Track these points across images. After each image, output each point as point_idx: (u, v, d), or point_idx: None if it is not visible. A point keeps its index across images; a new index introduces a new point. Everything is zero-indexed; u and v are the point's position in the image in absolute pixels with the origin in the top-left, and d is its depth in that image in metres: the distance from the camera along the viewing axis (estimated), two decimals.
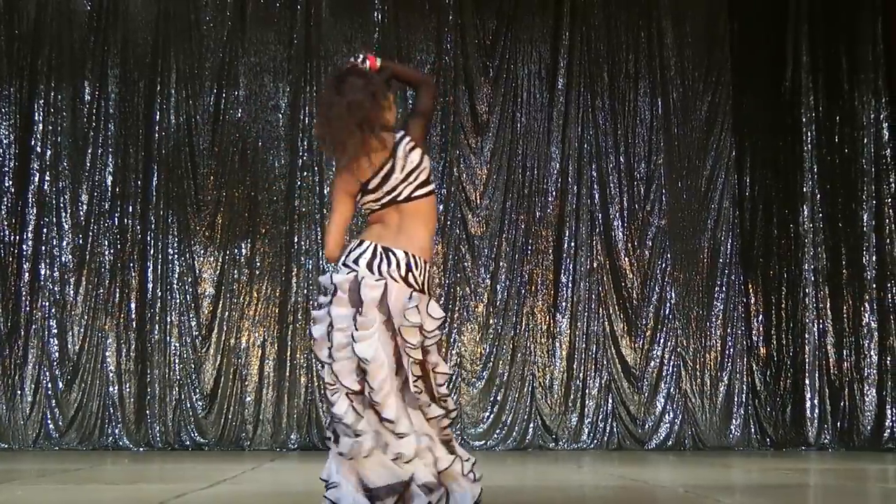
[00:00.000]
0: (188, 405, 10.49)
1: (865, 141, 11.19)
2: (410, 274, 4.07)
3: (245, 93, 10.94)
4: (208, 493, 6.03)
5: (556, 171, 11.11)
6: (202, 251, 10.76)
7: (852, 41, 11.31)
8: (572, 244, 11.00)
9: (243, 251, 10.76)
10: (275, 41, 11.03)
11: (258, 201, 10.81)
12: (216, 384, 10.53)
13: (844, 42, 11.34)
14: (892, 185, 11.11)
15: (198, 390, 10.52)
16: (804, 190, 11.20)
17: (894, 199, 11.10)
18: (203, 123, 10.88)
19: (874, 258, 11.03)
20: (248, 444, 10.43)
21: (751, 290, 11.17)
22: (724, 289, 11.09)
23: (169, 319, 10.59)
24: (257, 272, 10.73)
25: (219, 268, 10.72)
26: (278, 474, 7.76)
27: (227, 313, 10.64)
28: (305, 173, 10.89)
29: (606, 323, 10.93)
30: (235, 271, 10.74)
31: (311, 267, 10.72)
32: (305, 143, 10.90)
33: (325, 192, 10.81)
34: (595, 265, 11.00)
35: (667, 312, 11.00)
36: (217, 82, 10.92)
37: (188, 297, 10.65)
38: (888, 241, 11.03)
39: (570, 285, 10.95)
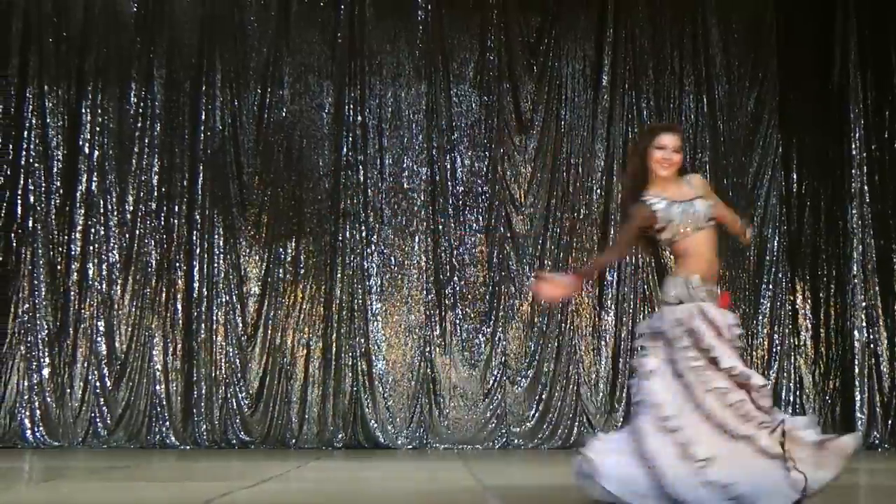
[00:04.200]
0: (234, 404, 10.39)
1: None
2: None
3: (289, 92, 10.83)
4: (253, 491, 5.98)
5: (600, 169, 10.89)
6: (247, 250, 10.66)
7: None
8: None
9: (288, 250, 10.65)
10: (319, 40, 10.91)
11: (302, 200, 10.70)
12: (262, 383, 10.43)
13: (893, 37, 11.03)
14: None
15: (244, 389, 10.41)
16: (852, 187, 10.88)
17: None
18: (248, 123, 10.79)
19: None
20: (294, 443, 10.31)
21: (798, 289, 10.89)
22: (770, 287, 10.81)
23: (215, 318, 10.49)
24: (302, 271, 10.62)
25: (264, 267, 10.62)
26: (323, 472, 7.69)
27: (272, 312, 10.53)
28: (350, 172, 10.76)
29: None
30: (280, 270, 10.62)
31: (355, 266, 10.60)
32: (349, 141, 10.79)
33: (370, 191, 10.71)
34: (640, 262, 10.76)
35: None
36: (261, 82, 10.83)
37: (234, 296, 10.55)
38: None
39: (615, 283, 10.73)
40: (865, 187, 10.87)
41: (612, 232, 10.74)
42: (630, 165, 5.05)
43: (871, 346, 10.62)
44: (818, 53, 11.13)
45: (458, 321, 10.64)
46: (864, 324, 10.66)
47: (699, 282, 4.73)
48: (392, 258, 10.71)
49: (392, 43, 10.95)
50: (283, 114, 10.83)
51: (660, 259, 10.68)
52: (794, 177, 11.04)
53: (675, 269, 4.91)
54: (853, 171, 10.90)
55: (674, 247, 4.89)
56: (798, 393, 10.67)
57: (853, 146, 10.92)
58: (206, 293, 10.52)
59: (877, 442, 10.41)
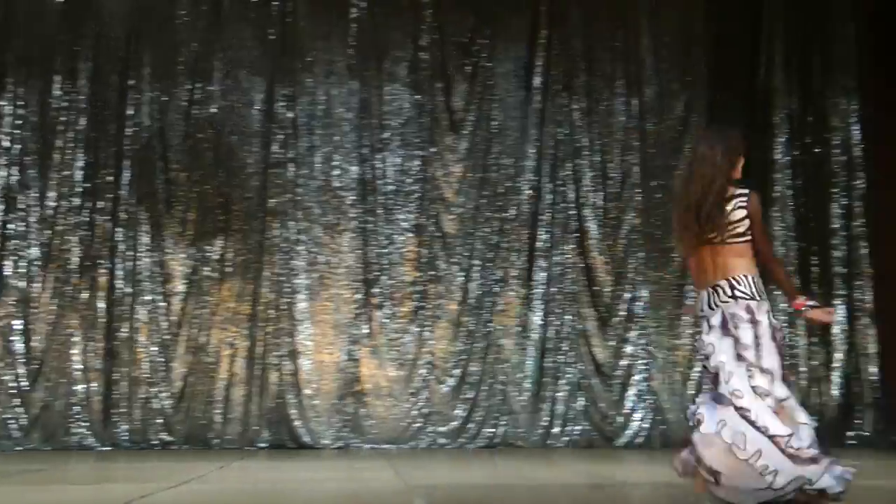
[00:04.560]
0: (156, 403, 10.25)
1: (837, 140, 11.10)
2: None
3: (219, 88, 10.73)
4: (174, 492, 5.94)
5: (530, 170, 10.95)
6: (173, 248, 10.54)
7: (825, 42, 11.24)
8: (546, 242, 10.84)
9: (215, 248, 10.55)
10: (250, 36, 10.83)
11: (231, 198, 10.62)
12: (185, 382, 10.33)
13: (818, 43, 11.26)
14: (863, 183, 11.01)
15: (166, 388, 10.29)
16: (777, 189, 11.08)
17: (864, 197, 11.00)
18: (176, 119, 10.66)
19: (844, 257, 10.95)
20: (217, 443, 10.22)
21: None
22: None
23: (137, 317, 10.36)
24: (228, 269, 10.54)
25: (190, 265, 10.51)
26: (246, 473, 7.62)
27: (197, 311, 10.43)
28: (279, 170, 10.70)
29: (579, 321, 10.78)
30: (206, 268, 10.53)
31: (283, 264, 10.54)
32: (280, 138, 10.70)
33: (299, 189, 10.64)
34: (568, 263, 10.84)
35: (638, 310, 10.84)
36: (190, 77, 10.70)
37: (158, 294, 10.42)
38: (858, 240, 10.94)
39: (543, 283, 10.78)
40: (790, 190, 11.07)
41: (541, 232, 10.80)
42: (721, 163, 4.91)
43: (790, 349, 10.81)
44: (745, 59, 11.30)
45: (385, 321, 10.62)
46: (785, 326, 10.84)
47: None
48: (320, 257, 10.65)
49: (324, 40, 10.89)
50: (213, 110, 10.70)
51: (588, 260, 10.81)
52: None
53: (751, 268, 4.91)
54: (777, 173, 11.09)
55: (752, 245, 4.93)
56: None
57: (778, 149, 11.12)
58: (129, 291, 10.38)
59: None
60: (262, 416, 10.31)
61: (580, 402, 10.63)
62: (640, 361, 10.76)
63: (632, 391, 10.69)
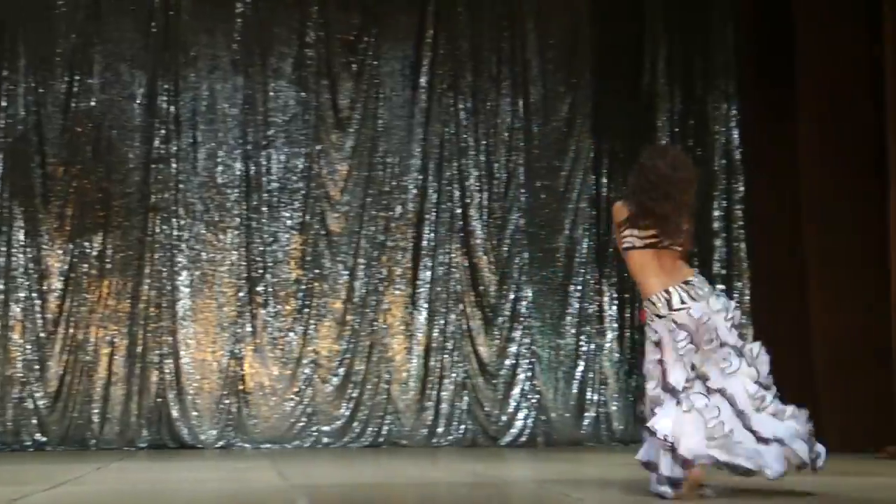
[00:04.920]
0: (31, 403, 10.21)
1: (718, 144, 11.58)
2: None
3: (99, 81, 10.70)
4: (49, 495, 5.88)
5: (416, 169, 11.19)
6: (50, 244, 10.50)
7: (706, 48, 11.67)
8: (431, 241, 11.11)
9: (94, 244, 10.54)
10: (131, 28, 10.80)
11: (110, 193, 10.61)
12: (61, 381, 10.29)
13: (699, 49, 11.69)
14: (742, 186, 11.48)
15: (41, 388, 10.25)
16: None
17: (744, 200, 11.47)
18: (53, 111, 10.59)
19: (723, 260, 11.43)
20: (95, 443, 10.23)
21: (605, 290, 11.45)
22: (580, 288, 11.32)
23: (11, 314, 10.31)
24: (108, 266, 10.54)
25: (67, 261, 10.48)
26: (125, 474, 7.64)
27: (75, 308, 10.42)
28: (161, 165, 10.73)
29: (464, 320, 11.07)
30: (85, 265, 10.51)
31: (164, 262, 10.61)
32: (162, 133, 10.76)
33: (181, 185, 10.72)
34: (453, 263, 11.14)
35: (523, 310, 11.19)
36: (69, 69, 10.64)
37: (33, 291, 10.38)
38: (737, 241, 11.41)
39: (428, 282, 11.05)
40: None
41: (426, 231, 11.10)
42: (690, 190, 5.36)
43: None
44: (630, 63, 11.71)
45: (269, 319, 10.77)
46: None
47: None
48: (203, 254, 10.73)
49: (208, 34, 10.95)
50: (92, 103, 10.68)
51: (473, 260, 11.12)
52: (605, 181, 11.59)
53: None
54: None
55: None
56: (603, 392, 11.24)
57: None
58: (2, 287, 10.32)
59: None
60: (141, 416, 10.33)
61: (465, 401, 10.93)
62: (524, 361, 11.10)
63: (516, 390, 11.02)
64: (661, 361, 5.16)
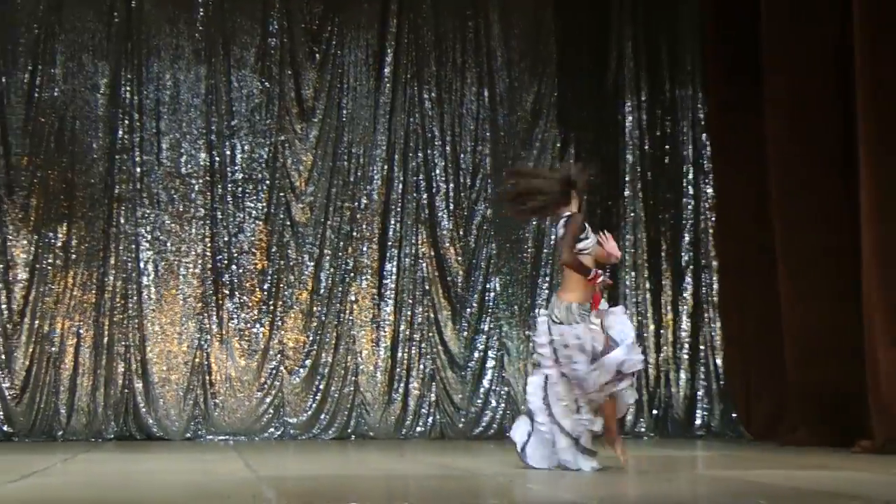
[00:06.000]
0: None
1: (683, 136, 12.30)
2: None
3: (62, 71, 11.28)
4: (14, 486, 5.95)
5: (381, 159, 11.81)
6: (14, 234, 11.07)
7: (672, 39, 12.38)
8: (397, 232, 11.75)
9: (59, 235, 11.12)
10: (93, 18, 11.39)
11: (74, 184, 11.18)
12: (27, 372, 10.84)
13: (665, 40, 12.40)
14: (710, 179, 12.15)
15: (7, 378, 10.81)
16: (626, 182, 12.22)
17: (712, 193, 12.14)
18: (16, 102, 11.18)
19: (691, 251, 12.18)
20: (61, 435, 10.78)
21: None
22: (547, 278, 11.95)
23: None
24: (73, 257, 11.11)
25: (32, 252, 11.04)
26: (92, 465, 7.94)
27: (40, 299, 10.97)
28: (125, 155, 11.33)
29: (431, 311, 11.70)
30: (50, 256, 11.08)
31: (129, 252, 11.21)
32: (125, 123, 11.35)
33: (146, 175, 11.33)
34: (420, 254, 11.77)
35: (491, 302, 11.88)
36: (31, 59, 11.22)
37: None
38: (704, 234, 12.15)
39: (394, 273, 11.68)
40: (638, 182, 12.25)
41: (392, 221, 11.79)
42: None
43: (641, 338, 12.01)
44: (596, 53, 12.40)
45: (235, 310, 11.38)
46: (634, 317, 11.99)
47: None
48: (168, 245, 11.34)
49: (171, 24, 11.57)
50: (55, 93, 11.27)
51: (440, 251, 11.88)
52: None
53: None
54: (626, 165, 12.25)
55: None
56: None
57: (627, 142, 12.27)
58: None
59: (642, 430, 11.87)
60: (108, 407, 10.91)
61: (433, 393, 11.58)
62: (493, 352, 11.76)
63: (485, 382, 11.69)
64: None
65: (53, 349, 11.00)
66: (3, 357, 10.90)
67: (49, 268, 11.12)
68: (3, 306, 10.98)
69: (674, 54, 12.46)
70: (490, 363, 11.83)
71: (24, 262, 11.10)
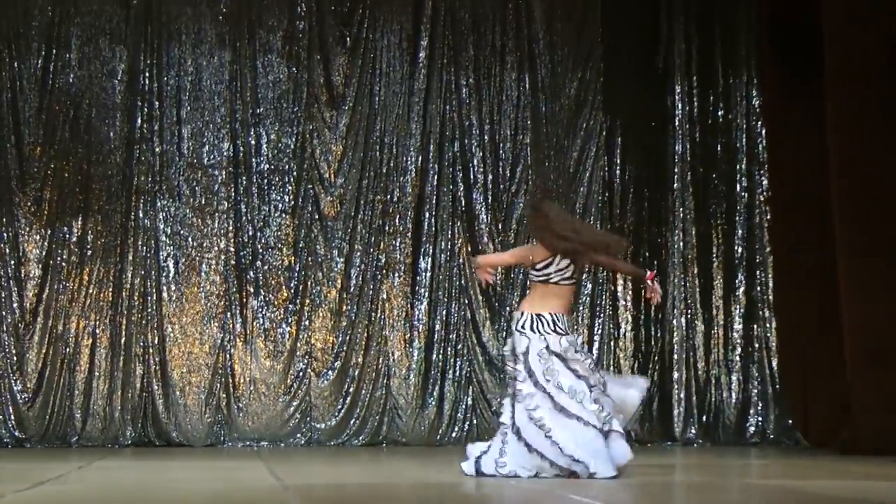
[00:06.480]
0: (8, 398, 10.52)
1: (737, 125, 11.81)
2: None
3: (77, 56, 11.01)
4: (27, 495, 5.92)
5: (415, 149, 11.43)
6: (27, 229, 10.82)
7: (726, 24, 11.89)
8: (432, 227, 11.36)
9: (74, 229, 10.85)
10: (111, 1, 11.10)
11: (90, 175, 10.92)
12: (41, 375, 10.61)
13: (719, 25, 11.91)
14: (766, 170, 11.68)
15: (19, 381, 10.57)
16: (675, 173, 11.76)
17: (767, 186, 11.66)
18: (29, 89, 10.91)
19: (744, 247, 11.69)
20: (76, 441, 10.53)
21: (618, 278, 11.67)
22: (591, 275, 11.53)
23: None
24: (89, 252, 10.84)
25: (46, 247, 10.79)
26: (109, 473, 7.81)
27: (54, 297, 10.71)
28: (144, 145, 11.03)
29: (467, 310, 11.31)
30: (64, 251, 10.82)
31: (148, 248, 10.90)
32: (144, 111, 11.04)
33: (166, 166, 11.01)
34: (456, 249, 11.38)
35: None
36: (45, 44, 10.95)
37: (10, 279, 10.67)
38: (759, 229, 11.66)
39: (429, 270, 11.30)
40: (688, 174, 11.77)
41: (427, 215, 11.35)
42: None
43: (690, 339, 11.55)
44: (644, 37, 11.92)
45: (260, 309, 11.03)
46: (683, 317, 11.57)
47: None
48: (189, 240, 11.02)
49: (193, 6, 11.23)
50: (71, 79, 10.98)
51: (477, 246, 11.40)
52: (618, 161, 11.81)
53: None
54: (676, 157, 11.78)
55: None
56: None
57: (677, 132, 11.79)
58: None
59: (692, 437, 11.36)
60: (126, 412, 10.64)
61: (469, 396, 11.19)
62: None
63: None
64: None
65: (68, 350, 10.72)
66: (15, 358, 10.66)
67: (63, 264, 10.84)
68: (15, 305, 10.73)
69: (727, 37, 12.00)
70: None
71: (37, 258, 10.84)
